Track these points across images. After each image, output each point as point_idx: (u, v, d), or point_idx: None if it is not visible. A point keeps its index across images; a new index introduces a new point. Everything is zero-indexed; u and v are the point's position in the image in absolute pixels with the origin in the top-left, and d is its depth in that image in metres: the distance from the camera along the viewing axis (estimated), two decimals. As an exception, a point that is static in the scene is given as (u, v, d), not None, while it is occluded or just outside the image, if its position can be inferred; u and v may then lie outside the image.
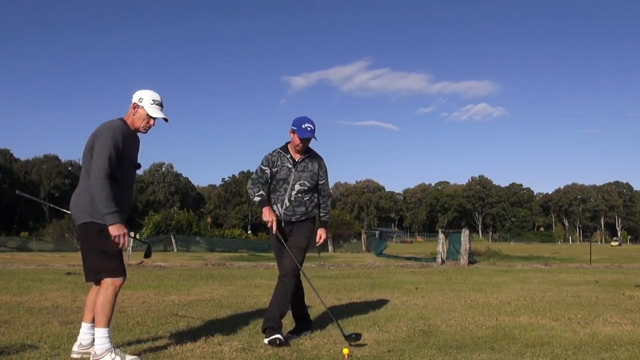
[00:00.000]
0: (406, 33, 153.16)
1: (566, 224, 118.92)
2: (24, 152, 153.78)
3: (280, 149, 4.39)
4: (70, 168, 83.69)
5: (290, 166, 4.29)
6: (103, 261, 3.37)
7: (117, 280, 3.38)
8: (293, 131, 4.23)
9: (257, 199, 4.25)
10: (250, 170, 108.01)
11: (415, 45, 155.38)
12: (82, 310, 3.87)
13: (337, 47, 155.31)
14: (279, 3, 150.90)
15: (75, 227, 3.51)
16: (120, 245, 3.32)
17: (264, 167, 4.35)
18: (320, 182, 4.38)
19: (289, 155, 4.32)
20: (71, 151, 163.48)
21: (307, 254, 4.51)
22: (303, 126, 4.21)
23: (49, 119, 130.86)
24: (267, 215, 4.17)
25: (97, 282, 3.46)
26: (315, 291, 4.39)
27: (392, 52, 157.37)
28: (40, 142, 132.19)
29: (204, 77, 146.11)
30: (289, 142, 4.36)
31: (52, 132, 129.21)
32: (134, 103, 3.53)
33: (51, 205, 4.21)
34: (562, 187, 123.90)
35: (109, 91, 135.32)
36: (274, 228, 4.15)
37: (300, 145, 4.25)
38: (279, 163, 4.32)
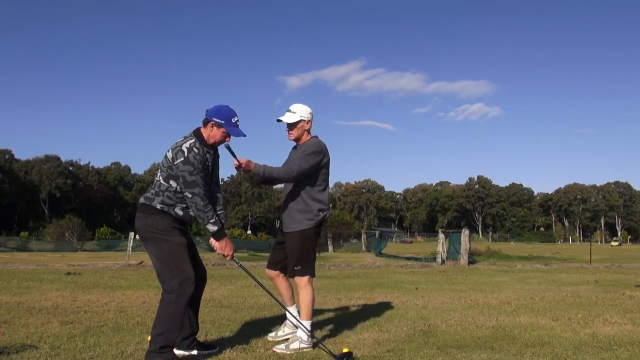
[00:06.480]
0: (401, 33, 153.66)
1: (566, 224, 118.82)
2: (24, 152, 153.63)
3: (200, 141, 3.48)
4: (70, 168, 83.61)
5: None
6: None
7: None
8: (219, 125, 3.46)
9: (217, 227, 3.54)
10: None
11: (410, 45, 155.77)
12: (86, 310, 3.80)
13: (332, 47, 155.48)
14: (274, 3, 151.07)
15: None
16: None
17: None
18: None
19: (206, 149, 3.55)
20: (72, 151, 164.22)
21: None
22: (233, 120, 3.49)
23: (49, 119, 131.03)
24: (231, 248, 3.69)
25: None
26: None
27: (386, 52, 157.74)
28: (40, 142, 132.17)
29: (200, 78, 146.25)
30: (199, 132, 3.52)
31: (52, 132, 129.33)
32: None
33: None
34: (562, 187, 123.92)
35: (109, 91, 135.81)
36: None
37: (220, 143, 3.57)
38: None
